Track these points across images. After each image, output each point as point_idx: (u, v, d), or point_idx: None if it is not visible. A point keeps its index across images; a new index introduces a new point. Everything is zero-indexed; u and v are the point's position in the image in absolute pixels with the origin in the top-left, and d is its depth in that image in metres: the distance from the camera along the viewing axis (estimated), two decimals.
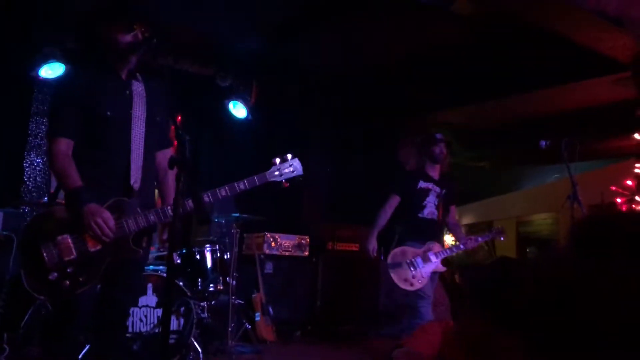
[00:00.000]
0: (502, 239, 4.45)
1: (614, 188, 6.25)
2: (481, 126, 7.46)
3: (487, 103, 6.67)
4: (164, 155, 2.78)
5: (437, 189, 4.32)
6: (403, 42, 5.78)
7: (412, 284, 4.12)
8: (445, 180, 4.40)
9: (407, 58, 6.12)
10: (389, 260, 4.18)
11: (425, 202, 4.29)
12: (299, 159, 2.81)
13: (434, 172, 4.37)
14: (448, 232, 5.02)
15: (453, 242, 5.23)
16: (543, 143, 4.02)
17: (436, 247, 4.21)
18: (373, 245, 4.31)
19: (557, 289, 0.57)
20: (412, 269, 4.11)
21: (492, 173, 10.01)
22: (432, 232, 4.26)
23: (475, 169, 9.45)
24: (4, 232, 4.31)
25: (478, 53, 5.79)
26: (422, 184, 4.31)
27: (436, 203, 4.31)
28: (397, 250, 4.22)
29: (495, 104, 6.68)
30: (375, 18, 5.26)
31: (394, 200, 4.35)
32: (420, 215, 4.27)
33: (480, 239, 4.29)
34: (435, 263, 4.16)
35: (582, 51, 4.98)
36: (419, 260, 4.13)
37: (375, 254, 4.31)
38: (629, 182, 6.09)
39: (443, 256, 4.20)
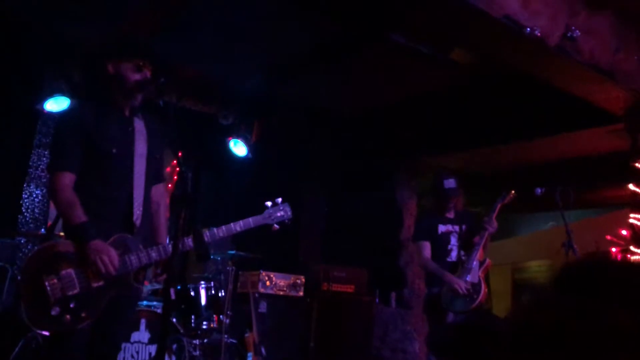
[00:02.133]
0: (511, 197, 4.29)
1: (609, 237, 6.29)
2: (476, 171, 7.54)
3: (482, 149, 6.76)
4: (157, 190, 2.85)
5: (457, 228, 4.24)
6: (401, 86, 5.91)
7: (472, 298, 4.01)
8: (462, 215, 4.32)
9: (404, 102, 6.24)
10: (424, 303, 4.13)
11: (449, 246, 4.21)
12: (294, 202, 2.97)
13: (451, 212, 4.29)
14: None
15: None
16: (538, 190, 4.06)
17: (473, 286, 4.11)
18: (459, 283, 4.07)
19: (536, 330, 0.58)
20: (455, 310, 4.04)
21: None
22: (462, 274, 4.15)
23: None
24: None
25: (475, 99, 5.92)
26: (441, 228, 4.24)
27: (459, 244, 4.23)
28: (434, 294, 4.15)
29: (491, 151, 6.77)
30: (374, 62, 5.39)
31: (426, 246, 4.23)
32: (448, 259, 4.19)
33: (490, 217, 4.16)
34: (477, 300, 4.06)
35: (577, 102, 5.09)
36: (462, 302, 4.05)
37: (465, 289, 4.07)
38: (624, 232, 6.12)
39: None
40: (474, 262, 4.11)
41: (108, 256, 2.40)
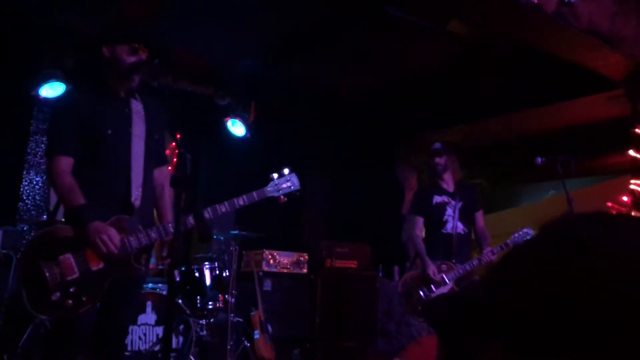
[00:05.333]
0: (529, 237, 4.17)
1: (610, 204, 6.29)
2: (476, 144, 7.52)
3: (481, 121, 6.73)
4: (161, 172, 2.83)
5: (453, 202, 4.17)
6: (398, 62, 5.86)
7: (420, 315, 3.96)
8: (461, 189, 4.25)
9: (402, 78, 6.20)
10: (400, 287, 4.08)
11: (445, 217, 4.14)
12: (296, 175, 2.85)
13: (448, 183, 4.24)
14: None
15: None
16: (539, 160, 4.03)
17: (448, 267, 4.01)
18: (432, 268, 4.01)
19: (534, 287, 0.56)
20: (424, 297, 3.96)
21: (487, 190, 10.05)
22: (457, 248, 4.08)
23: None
24: (3, 251, 4.30)
25: (473, 72, 5.87)
26: (437, 199, 4.18)
27: (456, 216, 4.15)
28: (408, 276, 4.12)
29: (490, 122, 6.75)
30: (371, 39, 5.34)
31: (418, 221, 4.20)
32: (443, 231, 4.12)
33: (498, 248, 3.99)
34: (448, 285, 3.96)
35: (576, 69, 5.05)
36: (432, 287, 3.97)
37: (438, 276, 4.00)
38: (625, 198, 6.13)
39: (456, 276, 3.99)
40: (448, 285, 3.98)
41: (108, 235, 2.40)
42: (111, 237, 2.41)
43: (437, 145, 4.30)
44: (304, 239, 6.73)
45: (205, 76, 6.16)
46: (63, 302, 2.37)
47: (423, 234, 4.26)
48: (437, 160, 4.23)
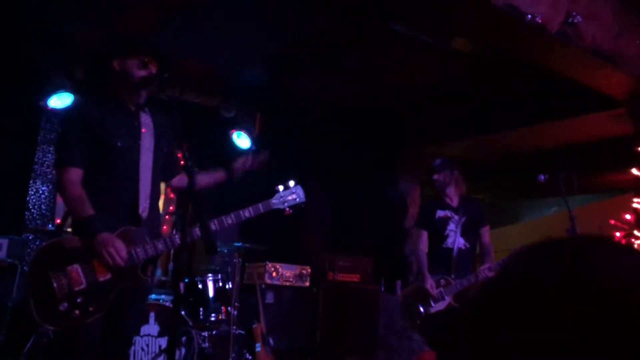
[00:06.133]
0: None
1: (612, 222, 6.30)
2: (479, 158, 7.55)
3: (484, 136, 6.77)
4: (181, 180, 2.94)
5: (456, 217, 4.18)
6: (402, 76, 5.91)
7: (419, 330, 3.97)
8: (465, 203, 4.26)
9: (407, 91, 6.24)
10: (401, 300, 4.10)
11: (446, 231, 4.16)
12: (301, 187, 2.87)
13: (451, 198, 4.25)
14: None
15: None
16: (542, 177, 4.05)
17: (446, 282, 4.00)
18: (430, 282, 4.03)
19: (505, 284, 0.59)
20: (422, 311, 3.97)
21: (490, 205, 10.07)
22: (457, 263, 4.08)
23: None
24: (8, 260, 4.33)
25: (476, 87, 5.92)
26: (439, 213, 4.21)
27: (458, 231, 4.16)
28: (408, 289, 4.14)
29: (493, 138, 6.78)
30: (376, 52, 5.39)
31: (423, 235, 4.22)
32: (444, 245, 4.15)
33: (497, 265, 3.99)
34: (446, 301, 3.97)
35: (579, 88, 5.09)
36: (431, 302, 3.98)
37: (435, 291, 4.01)
38: (628, 217, 6.14)
39: (454, 291, 3.99)
40: (446, 301, 3.99)
41: (115, 248, 2.43)
42: (118, 249, 2.44)
43: (437, 161, 4.36)
44: (305, 250, 6.74)
45: (211, 88, 6.22)
46: (71, 313, 2.38)
47: (427, 248, 4.28)
48: (436, 177, 4.28)
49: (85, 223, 2.48)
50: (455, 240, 4.14)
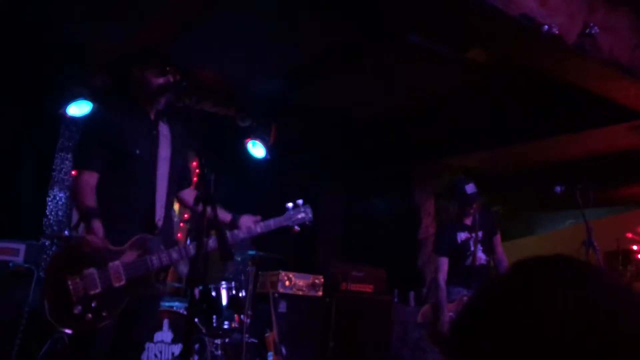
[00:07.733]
0: None
1: (630, 235, 6.22)
2: (496, 171, 7.50)
3: (500, 148, 6.73)
4: (190, 195, 2.96)
5: (474, 235, 4.18)
6: (419, 87, 5.91)
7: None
8: (480, 217, 4.24)
9: (423, 103, 6.24)
10: (420, 319, 4.07)
11: (468, 252, 4.16)
12: (312, 203, 2.96)
13: (468, 218, 4.24)
14: None
15: None
16: (558, 189, 4.02)
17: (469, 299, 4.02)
18: (449, 317, 3.96)
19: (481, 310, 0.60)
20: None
21: (505, 217, 9.99)
22: (477, 278, 4.06)
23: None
24: (25, 265, 4.38)
25: (492, 99, 5.90)
26: (460, 237, 4.19)
27: (479, 248, 4.17)
28: (427, 308, 4.12)
29: (509, 149, 6.73)
30: (391, 64, 5.40)
31: (443, 263, 4.15)
32: (465, 264, 4.14)
33: None
34: None
35: (597, 99, 5.05)
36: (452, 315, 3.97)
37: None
38: None
39: None
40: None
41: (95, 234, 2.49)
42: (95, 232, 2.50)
43: (470, 189, 4.17)
44: (319, 260, 6.73)
45: (227, 97, 6.27)
46: (84, 316, 2.41)
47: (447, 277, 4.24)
48: (473, 210, 4.18)
49: (85, 214, 2.56)
50: (476, 257, 4.15)
